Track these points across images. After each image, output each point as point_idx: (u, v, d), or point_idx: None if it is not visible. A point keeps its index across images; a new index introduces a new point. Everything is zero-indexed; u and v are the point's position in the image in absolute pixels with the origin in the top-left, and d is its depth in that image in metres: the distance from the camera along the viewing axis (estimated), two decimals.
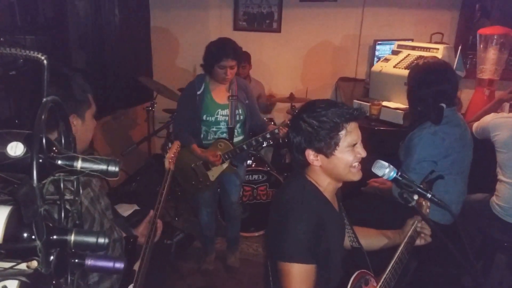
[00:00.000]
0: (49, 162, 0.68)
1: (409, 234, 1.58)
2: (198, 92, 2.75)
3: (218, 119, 2.79)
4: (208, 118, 2.77)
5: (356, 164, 1.42)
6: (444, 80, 2.19)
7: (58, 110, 0.72)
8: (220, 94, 2.80)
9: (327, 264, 1.40)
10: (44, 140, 0.67)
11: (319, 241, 1.36)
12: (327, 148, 1.39)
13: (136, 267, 1.67)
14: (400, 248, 1.51)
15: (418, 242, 1.63)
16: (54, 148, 0.72)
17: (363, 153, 1.43)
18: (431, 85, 2.19)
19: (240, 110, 2.83)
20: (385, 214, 2.32)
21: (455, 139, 2.20)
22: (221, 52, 2.60)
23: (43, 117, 0.65)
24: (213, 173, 2.89)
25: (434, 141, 2.16)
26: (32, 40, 3.26)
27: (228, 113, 2.79)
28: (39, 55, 0.67)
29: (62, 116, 0.74)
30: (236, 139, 2.87)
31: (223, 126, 2.82)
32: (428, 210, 1.69)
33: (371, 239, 1.71)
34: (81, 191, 1.45)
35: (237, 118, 2.82)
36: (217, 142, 2.82)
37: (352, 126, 1.40)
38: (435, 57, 2.48)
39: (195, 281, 3.07)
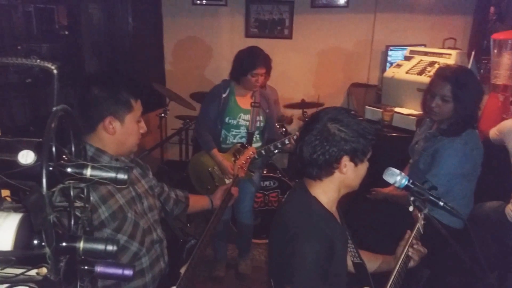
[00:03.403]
0: (59, 170, 0.69)
1: (401, 259, 1.53)
2: (224, 95, 2.82)
3: (240, 123, 2.85)
4: (230, 121, 2.84)
5: None
6: None
7: (68, 119, 0.73)
8: (244, 100, 2.87)
9: (335, 284, 1.36)
10: (54, 148, 0.68)
11: (329, 263, 1.30)
12: (363, 155, 1.36)
13: (182, 270, 1.68)
14: (396, 270, 1.48)
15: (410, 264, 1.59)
16: (64, 156, 0.73)
17: None
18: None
19: (261, 117, 2.90)
20: (391, 218, 2.30)
21: (476, 145, 2.20)
22: (254, 61, 2.71)
23: (52, 125, 0.66)
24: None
25: (465, 153, 2.12)
26: (47, 48, 3.33)
27: (249, 118, 2.85)
28: (49, 65, 0.68)
29: (73, 124, 0.75)
30: (254, 145, 2.91)
31: (243, 131, 2.87)
32: (422, 222, 1.67)
33: (366, 260, 1.64)
34: (118, 192, 1.48)
35: (258, 125, 2.89)
36: (235, 146, 2.86)
37: None
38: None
39: None
